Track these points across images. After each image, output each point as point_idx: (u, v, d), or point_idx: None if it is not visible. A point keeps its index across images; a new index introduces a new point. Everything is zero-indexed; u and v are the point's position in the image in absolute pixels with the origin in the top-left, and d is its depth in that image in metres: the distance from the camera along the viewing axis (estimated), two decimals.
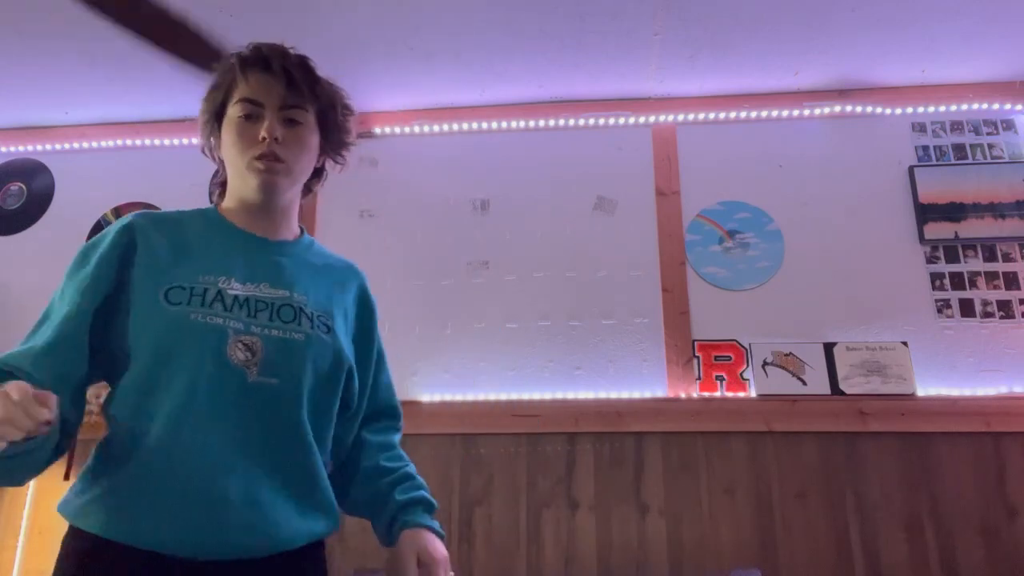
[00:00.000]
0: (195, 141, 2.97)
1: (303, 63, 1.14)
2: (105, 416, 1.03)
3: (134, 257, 1.05)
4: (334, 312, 1.14)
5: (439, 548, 1.09)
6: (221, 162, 1.18)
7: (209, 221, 1.15)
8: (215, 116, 1.15)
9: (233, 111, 1.11)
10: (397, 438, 1.27)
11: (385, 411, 1.26)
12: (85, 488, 0.98)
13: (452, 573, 1.08)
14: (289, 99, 1.11)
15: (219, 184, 1.21)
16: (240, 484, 0.97)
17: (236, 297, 1.04)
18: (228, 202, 1.17)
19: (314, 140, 1.16)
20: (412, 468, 1.21)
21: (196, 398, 0.97)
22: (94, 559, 0.94)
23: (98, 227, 2.84)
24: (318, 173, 1.24)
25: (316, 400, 1.07)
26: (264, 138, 1.08)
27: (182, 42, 1.90)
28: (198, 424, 0.97)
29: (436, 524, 1.14)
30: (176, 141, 2.96)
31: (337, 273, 1.22)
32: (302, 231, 1.24)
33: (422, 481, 1.20)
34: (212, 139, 1.18)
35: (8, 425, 0.78)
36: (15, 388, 0.80)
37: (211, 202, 1.23)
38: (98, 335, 1.02)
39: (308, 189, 1.24)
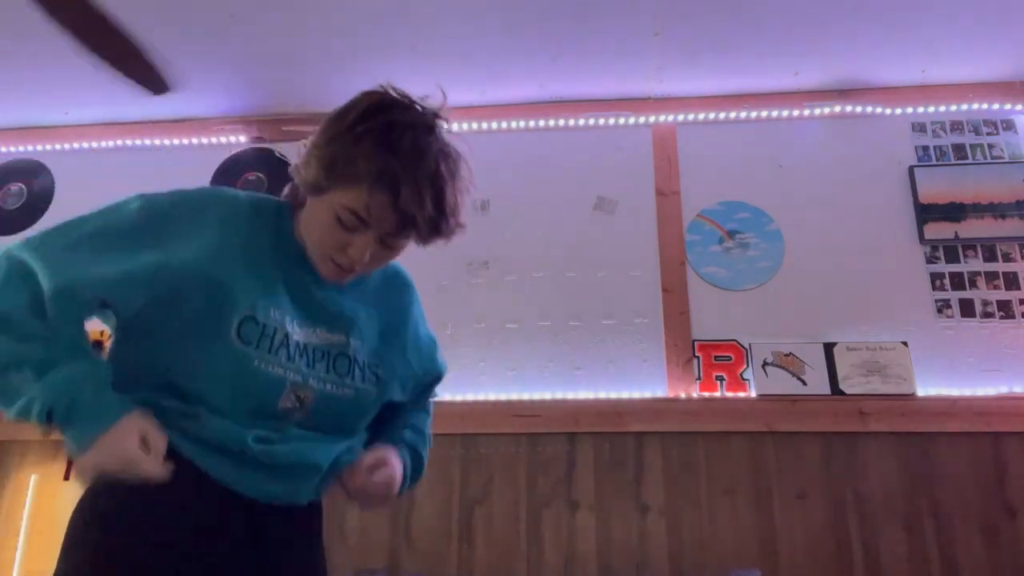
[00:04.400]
0: (195, 141, 3.03)
1: (440, 214, 0.95)
2: (147, 384, 0.96)
3: (213, 253, 0.98)
4: (387, 354, 1.11)
5: (396, 473, 1.09)
6: (297, 190, 1.03)
7: (280, 233, 1.03)
8: (327, 170, 0.95)
9: (337, 204, 0.94)
10: (428, 414, 1.31)
11: (429, 384, 1.29)
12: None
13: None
14: (401, 235, 0.96)
15: (292, 196, 1.06)
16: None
17: (299, 344, 0.99)
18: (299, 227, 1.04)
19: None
20: (426, 448, 1.24)
21: (240, 436, 0.95)
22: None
23: None
24: None
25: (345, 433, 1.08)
26: (352, 258, 0.96)
27: (115, 49, 1.89)
28: (238, 460, 0.95)
29: (409, 474, 1.17)
30: (176, 141, 2.96)
31: (390, 298, 1.14)
32: None
33: (424, 461, 1.23)
34: (315, 174, 0.96)
35: (139, 468, 0.87)
36: (159, 439, 0.90)
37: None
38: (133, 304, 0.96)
39: None
